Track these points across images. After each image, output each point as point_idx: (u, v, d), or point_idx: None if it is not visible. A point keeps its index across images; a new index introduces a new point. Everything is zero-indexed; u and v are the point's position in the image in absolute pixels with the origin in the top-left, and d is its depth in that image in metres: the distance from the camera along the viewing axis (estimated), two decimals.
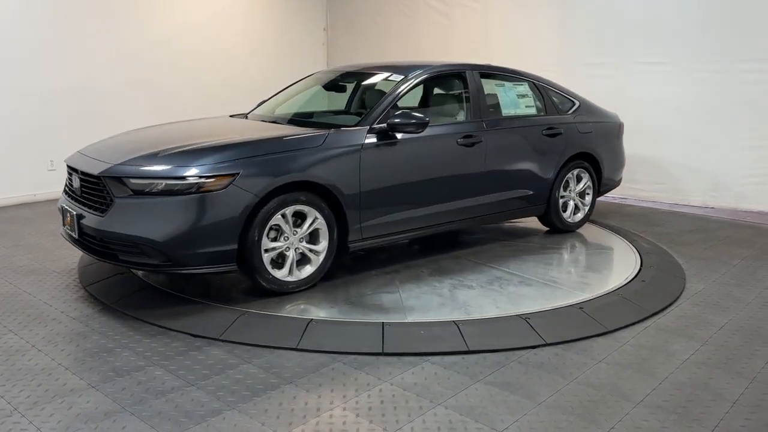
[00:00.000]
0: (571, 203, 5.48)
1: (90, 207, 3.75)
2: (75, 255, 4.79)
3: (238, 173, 3.54)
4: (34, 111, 6.77)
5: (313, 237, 3.95)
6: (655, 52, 6.67)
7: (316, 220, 3.89)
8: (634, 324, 3.61)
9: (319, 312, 3.67)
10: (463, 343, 3.28)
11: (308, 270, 3.94)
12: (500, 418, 2.62)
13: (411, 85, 4.51)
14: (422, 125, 4.14)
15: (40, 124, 6.82)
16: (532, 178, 5.08)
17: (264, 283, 3.76)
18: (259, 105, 5.34)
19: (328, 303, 3.82)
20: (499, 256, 4.77)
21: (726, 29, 6.22)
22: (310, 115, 5.08)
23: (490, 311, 3.67)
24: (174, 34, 7.93)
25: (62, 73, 6.93)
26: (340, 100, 5.39)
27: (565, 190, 5.39)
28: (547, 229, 5.56)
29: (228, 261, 3.61)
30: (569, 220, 5.49)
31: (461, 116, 4.84)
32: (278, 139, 3.91)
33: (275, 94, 5.46)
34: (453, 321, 3.51)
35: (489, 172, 4.76)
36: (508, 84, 5.14)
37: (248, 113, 5.16)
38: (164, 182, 3.49)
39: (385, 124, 4.14)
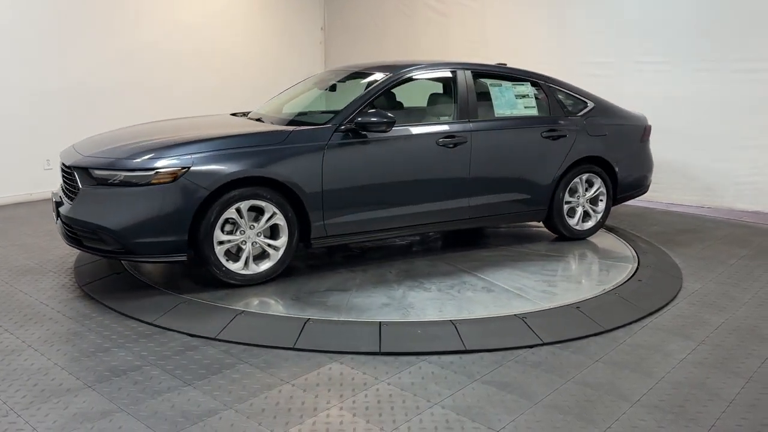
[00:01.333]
0: (579, 210, 5.19)
1: (67, 196, 4.02)
2: (71, 254, 4.78)
3: (188, 168, 3.69)
4: (31, 110, 6.75)
5: (274, 232, 4.04)
6: (653, 51, 6.68)
7: (274, 215, 3.97)
8: (630, 323, 3.61)
9: (261, 306, 3.73)
10: (461, 342, 3.28)
11: (266, 264, 4.03)
12: (497, 417, 2.62)
13: (388, 86, 4.48)
14: (389, 124, 4.15)
15: (36, 124, 6.80)
16: (528, 182, 4.87)
17: (218, 275, 3.89)
18: (266, 103, 5.36)
19: (275, 296, 3.89)
20: (482, 261, 4.64)
21: (724, 28, 6.22)
22: (307, 113, 5.08)
23: (431, 315, 3.60)
24: (172, 34, 7.92)
25: (60, 73, 6.91)
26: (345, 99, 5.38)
27: (572, 195, 5.14)
28: (556, 236, 5.29)
29: (179, 251, 3.76)
30: (576, 227, 5.19)
31: (446, 116, 4.80)
32: (234, 137, 3.98)
33: (282, 92, 5.49)
34: (450, 320, 3.51)
35: (475, 174, 4.62)
36: (506, 84, 4.95)
37: (248, 111, 5.17)
38: (123, 174, 3.70)
39: (352, 123, 4.16)
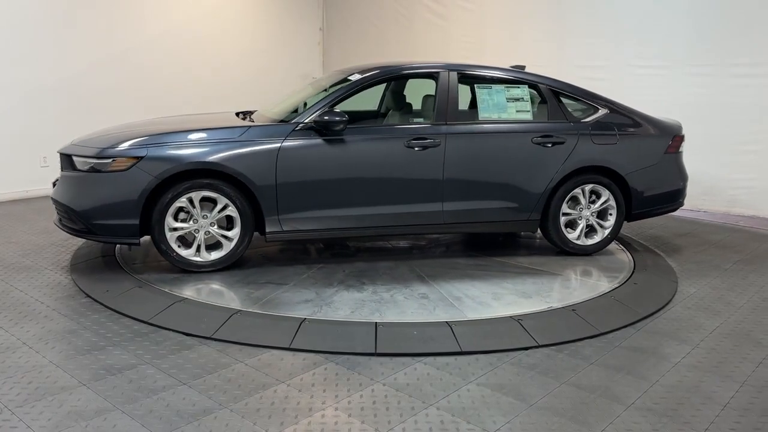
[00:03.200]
0: (582, 223, 4.79)
1: None
2: (67, 252, 4.77)
3: (141, 157, 3.99)
4: (28, 108, 6.74)
5: (230, 223, 4.24)
6: (650, 55, 6.70)
7: (227, 207, 4.17)
8: (626, 326, 3.62)
9: (184, 290, 3.92)
10: (456, 344, 3.28)
11: (218, 254, 4.25)
12: (492, 419, 2.62)
13: (358, 87, 4.46)
14: (344, 123, 4.19)
15: (33, 121, 6.79)
16: (515, 189, 4.59)
17: (169, 260, 4.17)
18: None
19: (215, 283, 4.09)
20: (449, 268, 4.48)
21: (721, 33, 6.25)
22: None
23: (339, 315, 3.59)
24: (169, 32, 7.92)
25: (56, 70, 6.91)
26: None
27: (574, 207, 4.79)
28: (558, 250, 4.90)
29: (131, 235, 4.07)
30: (577, 241, 4.80)
31: (423, 118, 4.78)
32: (191, 131, 4.20)
33: (294, 92, 5.53)
34: (446, 322, 3.51)
35: (450, 178, 4.45)
36: (497, 87, 4.71)
37: (254, 111, 5.22)
38: (92, 161, 4.05)
39: (311, 122, 4.25)
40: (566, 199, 4.73)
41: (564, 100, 4.85)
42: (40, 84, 6.79)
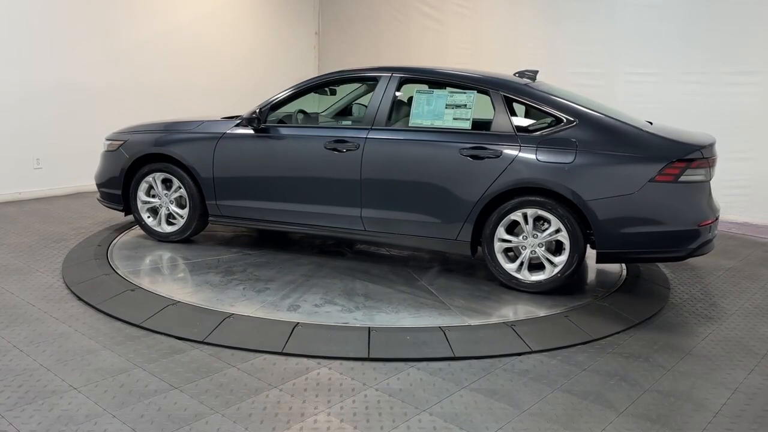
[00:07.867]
0: (524, 253, 4.03)
1: None
2: (59, 254, 4.74)
3: (124, 141, 5.04)
4: (22, 109, 6.71)
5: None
6: (643, 62, 6.74)
7: (180, 188, 4.90)
8: (618, 333, 3.63)
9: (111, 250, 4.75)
10: (449, 349, 3.28)
11: (171, 228, 5.02)
12: (485, 425, 2.62)
13: (298, 90, 4.69)
14: (253, 120, 4.56)
15: (27, 123, 6.75)
16: (435, 204, 4.15)
17: (140, 227, 5.13)
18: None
19: (138, 250, 4.81)
20: (343, 276, 4.34)
21: (714, 40, 6.29)
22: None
23: (176, 295, 3.85)
24: (164, 35, 7.90)
25: (51, 72, 6.87)
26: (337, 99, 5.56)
27: (518, 234, 4.06)
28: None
29: (117, 202, 5.14)
30: (516, 274, 4.05)
31: (348, 121, 4.93)
32: (161, 123, 5.08)
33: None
34: (439, 327, 3.51)
35: (366, 184, 4.28)
36: (439, 92, 4.29)
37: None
38: (108, 143, 5.19)
39: (246, 119, 4.64)
40: (502, 222, 4.04)
41: (521, 108, 4.31)
42: (35, 86, 6.76)
